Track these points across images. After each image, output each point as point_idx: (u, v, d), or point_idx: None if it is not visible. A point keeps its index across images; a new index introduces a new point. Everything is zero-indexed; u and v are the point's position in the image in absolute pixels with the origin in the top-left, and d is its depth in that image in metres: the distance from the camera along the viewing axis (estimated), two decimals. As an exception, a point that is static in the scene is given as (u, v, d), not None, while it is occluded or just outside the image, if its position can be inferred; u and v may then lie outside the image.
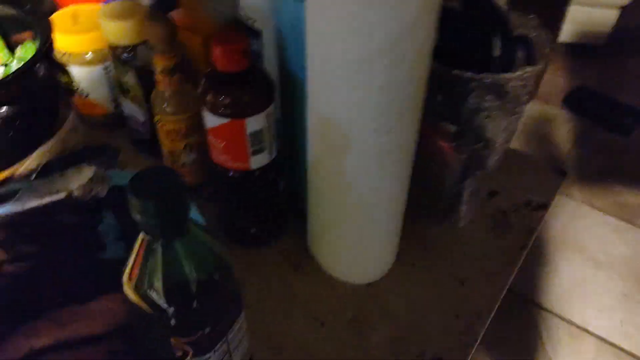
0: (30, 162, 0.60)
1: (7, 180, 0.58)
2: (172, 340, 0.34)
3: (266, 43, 0.48)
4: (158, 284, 0.32)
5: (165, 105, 0.52)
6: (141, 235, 0.31)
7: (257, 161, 0.47)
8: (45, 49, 0.59)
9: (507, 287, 0.53)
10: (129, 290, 0.33)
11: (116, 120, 0.66)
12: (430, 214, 0.56)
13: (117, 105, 0.65)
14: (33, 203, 0.51)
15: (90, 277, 0.48)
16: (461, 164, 0.50)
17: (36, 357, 0.42)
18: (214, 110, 0.44)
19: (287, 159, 0.52)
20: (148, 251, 0.31)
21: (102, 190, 0.52)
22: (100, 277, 0.46)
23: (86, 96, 0.64)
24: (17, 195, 0.51)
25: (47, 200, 0.51)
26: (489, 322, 0.50)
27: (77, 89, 0.63)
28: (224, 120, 0.44)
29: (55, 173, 0.54)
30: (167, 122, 0.53)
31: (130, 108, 0.60)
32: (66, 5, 0.66)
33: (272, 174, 0.50)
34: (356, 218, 0.46)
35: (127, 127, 0.64)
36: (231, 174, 0.48)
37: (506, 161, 0.54)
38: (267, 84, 0.45)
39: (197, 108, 0.53)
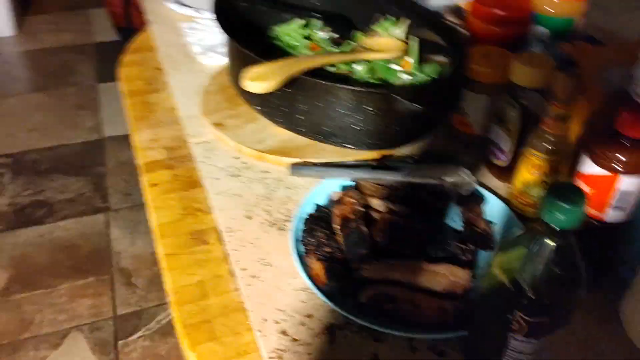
0: (406, 150, 0.77)
1: (387, 158, 0.76)
2: (517, 314, 0.43)
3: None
4: (528, 273, 0.42)
5: (543, 143, 0.62)
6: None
7: (611, 216, 0.54)
8: (455, 71, 0.75)
9: None
10: (497, 270, 0.44)
11: (478, 141, 0.79)
12: None
13: (486, 130, 0.77)
14: (416, 179, 0.66)
15: (438, 246, 0.61)
16: None
17: (386, 285, 0.57)
18: (599, 162, 0.52)
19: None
20: (535, 245, 0.42)
21: (466, 190, 0.65)
22: (445, 249, 0.60)
23: (465, 116, 0.78)
24: (406, 170, 0.67)
25: (426, 180, 0.66)
26: None
27: (461, 108, 0.78)
28: (604, 172, 0.52)
29: (431, 164, 0.69)
30: (537, 158, 0.63)
31: (500, 136, 0.72)
32: (482, 43, 0.81)
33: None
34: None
35: (485, 150, 0.76)
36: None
37: None
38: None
39: (566, 155, 0.62)
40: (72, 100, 2.24)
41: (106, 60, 2.23)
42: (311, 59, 0.74)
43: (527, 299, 0.42)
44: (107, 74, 2.11)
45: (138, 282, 1.58)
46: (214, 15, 0.81)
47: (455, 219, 0.67)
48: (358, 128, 0.73)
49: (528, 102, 0.68)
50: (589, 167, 0.53)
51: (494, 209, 0.67)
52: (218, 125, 0.80)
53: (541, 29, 0.83)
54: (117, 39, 2.38)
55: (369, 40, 0.87)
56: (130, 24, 2.27)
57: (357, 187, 0.67)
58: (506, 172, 0.73)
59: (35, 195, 1.81)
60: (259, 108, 0.80)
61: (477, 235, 0.63)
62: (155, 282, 1.56)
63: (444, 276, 0.57)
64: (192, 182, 0.75)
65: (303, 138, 0.77)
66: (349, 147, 0.76)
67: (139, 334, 1.46)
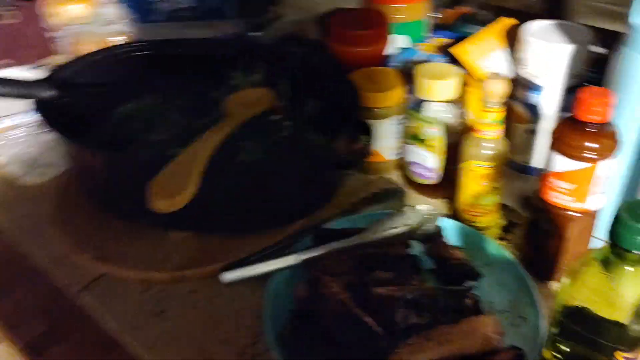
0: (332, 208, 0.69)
1: (319, 224, 0.67)
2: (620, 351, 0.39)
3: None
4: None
5: (483, 152, 0.59)
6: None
7: (595, 203, 0.53)
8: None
9: None
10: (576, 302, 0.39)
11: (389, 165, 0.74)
12: None
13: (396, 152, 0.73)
14: (378, 236, 0.58)
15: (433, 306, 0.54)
16: None
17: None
18: (573, 155, 0.50)
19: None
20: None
21: (431, 227, 0.59)
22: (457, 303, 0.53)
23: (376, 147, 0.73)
24: (362, 229, 0.58)
25: (389, 233, 0.58)
26: None
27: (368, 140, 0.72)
28: (579, 164, 0.50)
29: (378, 213, 0.62)
30: (482, 168, 0.60)
31: (421, 155, 0.68)
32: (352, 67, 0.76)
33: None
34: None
35: (404, 171, 0.72)
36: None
37: None
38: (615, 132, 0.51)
39: (505, 156, 0.60)
40: None
41: None
42: (204, 146, 0.60)
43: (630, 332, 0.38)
44: None
45: None
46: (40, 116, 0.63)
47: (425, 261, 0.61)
48: (283, 200, 0.63)
49: (444, 116, 0.65)
50: (565, 165, 0.51)
51: (450, 231, 0.62)
52: (100, 260, 0.63)
53: (400, 38, 0.81)
54: None
55: (235, 97, 0.76)
56: None
57: (319, 271, 0.57)
58: (439, 189, 0.70)
59: None
60: (146, 221, 0.64)
61: (461, 269, 0.58)
62: None
63: (472, 333, 0.50)
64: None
65: (213, 238, 0.64)
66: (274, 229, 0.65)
67: None
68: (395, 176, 0.75)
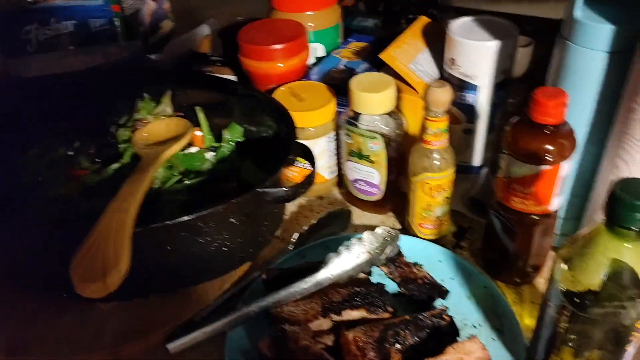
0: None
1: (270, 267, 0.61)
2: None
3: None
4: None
5: (434, 162, 0.56)
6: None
7: (556, 204, 0.52)
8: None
9: None
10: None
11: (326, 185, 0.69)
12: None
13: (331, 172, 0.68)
14: (339, 270, 0.53)
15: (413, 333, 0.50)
16: None
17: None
18: (533, 159, 0.48)
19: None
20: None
21: (394, 249, 0.55)
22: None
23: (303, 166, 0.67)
24: (325, 261, 0.53)
25: (355, 262, 0.53)
26: None
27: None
28: (540, 168, 0.48)
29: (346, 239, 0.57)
30: (434, 180, 0.57)
31: (365, 172, 0.64)
32: (268, 84, 0.70)
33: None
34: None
35: (346, 189, 0.68)
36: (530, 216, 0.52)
37: None
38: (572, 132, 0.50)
39: (452, 163, 0.58)
40: None
41: None
42: (126, 205, 0.50)
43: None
44: None
45: None
46: None
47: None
48: (226, 249, 0.55)
49: (389, 129, 0.61)
50: (524, 169, 0.49)
51: (405, 248, 0.59)
52: (13, 351, 0.52)
53: (315, 46, 0.76)
54: None
55: (142, 133, 0.67)
56: None
57: (282, 321, 0.51)
58: (384, 204, 0.66)
59: None
60: (64, 294, 0.54)
61: (428, 289, 0.55)
62: None
63: None
64: None
65: (148, 302, 0.55)
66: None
67: None
68: (336, 195, 0.71)
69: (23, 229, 0.52)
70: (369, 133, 0.60)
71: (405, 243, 0.58)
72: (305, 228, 0.63)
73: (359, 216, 0.67)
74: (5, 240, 0.53)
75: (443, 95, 0.52)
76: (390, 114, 0.61)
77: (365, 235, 0.54)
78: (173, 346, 0.51)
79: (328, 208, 0.68)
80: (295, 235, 0.61)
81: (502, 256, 0.57)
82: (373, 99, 0.58)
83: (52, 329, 0.53)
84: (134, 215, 0.48)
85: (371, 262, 0.54)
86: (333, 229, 0.64)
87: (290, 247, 0.60)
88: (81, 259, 0.42)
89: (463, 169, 0.70)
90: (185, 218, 0.48)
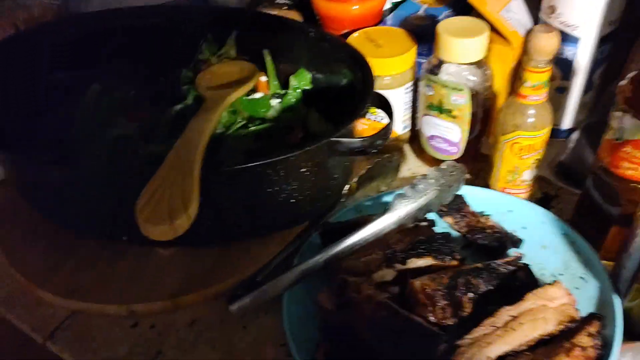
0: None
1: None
2: None
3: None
4: None
5: (528, 120, 0.50)
6: None
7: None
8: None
9: None
10: None
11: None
12: None
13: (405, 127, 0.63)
14: (397, 219, 0.48)
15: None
16: None
17: None
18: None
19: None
20: None
21: (461, 184, 0.51)
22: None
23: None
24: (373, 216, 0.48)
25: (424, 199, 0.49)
26: None
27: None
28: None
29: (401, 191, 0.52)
30: (525, 139, 0.51)
31: (444, 128, 0.58)
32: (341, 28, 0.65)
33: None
34: None
35: (419, 146, 0.62)
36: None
37: None
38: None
39: (549, 122, 0.52)
40: None
41: None
42: (193, 144, 0.47)
43: None
44: None
45: None
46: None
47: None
48: (294, 200, 0.51)
49: (473, 81, 0.55)
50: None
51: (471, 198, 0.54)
52: (69, 295, 0.50)
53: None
54: None
55: (206, 75, 0.63)
56: None
57: (342, 272, 0.46)
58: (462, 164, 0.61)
59: None
60: (123, 237, 0.52)
61: (499, 238, 0.50)
62: None
63: (542, 309, 0.42)
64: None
65: (207, 252, 0.52)
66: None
67: None
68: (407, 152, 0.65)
69: (83, 169, 0.49)
70: (455, 84, 0.54)
71: (469, 193, 0.53)
72: (355, 180, 0.58)
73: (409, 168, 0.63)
74: (64, 181, 0.51)
75: (550, 42, 0.46)
76: (478, 63, 0.55)
77: (430, 172, 0.50)
78: (235, 307, 0.47)
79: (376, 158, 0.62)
80: (346, 188, 0.57)
81: (599, 230, 0.50)
82: (464, 45, 0.52)
83: (110, 274, 0.51)
84: (202, 154, 0.44)
85: (440, 198, 0.50)
86: (382, 179, 0.59)
87: (342, 200, 0.56)
88: (148, 200, 0.38)
89: (552, 132, 0.63)
90: (258, 162, 0.43)
